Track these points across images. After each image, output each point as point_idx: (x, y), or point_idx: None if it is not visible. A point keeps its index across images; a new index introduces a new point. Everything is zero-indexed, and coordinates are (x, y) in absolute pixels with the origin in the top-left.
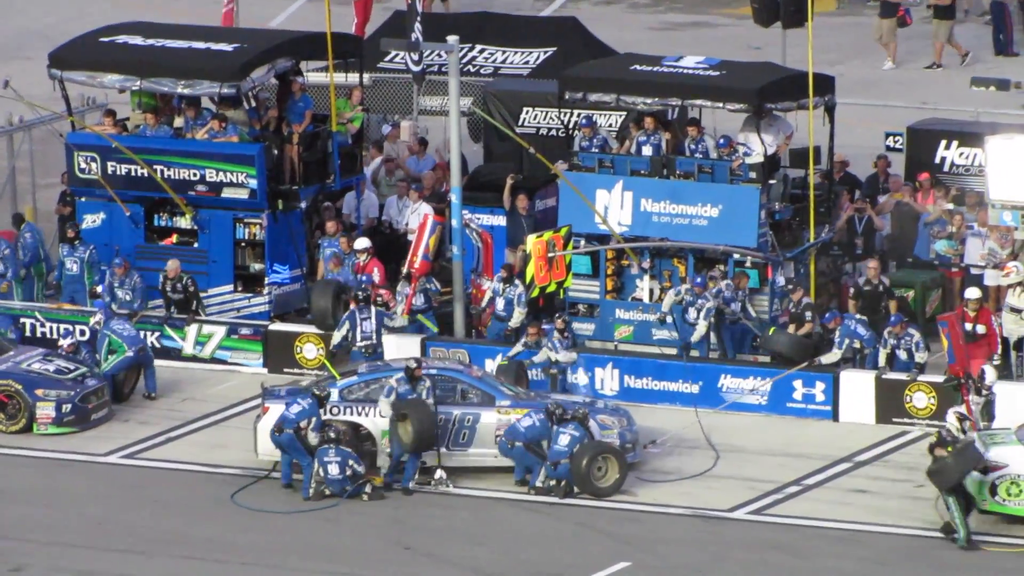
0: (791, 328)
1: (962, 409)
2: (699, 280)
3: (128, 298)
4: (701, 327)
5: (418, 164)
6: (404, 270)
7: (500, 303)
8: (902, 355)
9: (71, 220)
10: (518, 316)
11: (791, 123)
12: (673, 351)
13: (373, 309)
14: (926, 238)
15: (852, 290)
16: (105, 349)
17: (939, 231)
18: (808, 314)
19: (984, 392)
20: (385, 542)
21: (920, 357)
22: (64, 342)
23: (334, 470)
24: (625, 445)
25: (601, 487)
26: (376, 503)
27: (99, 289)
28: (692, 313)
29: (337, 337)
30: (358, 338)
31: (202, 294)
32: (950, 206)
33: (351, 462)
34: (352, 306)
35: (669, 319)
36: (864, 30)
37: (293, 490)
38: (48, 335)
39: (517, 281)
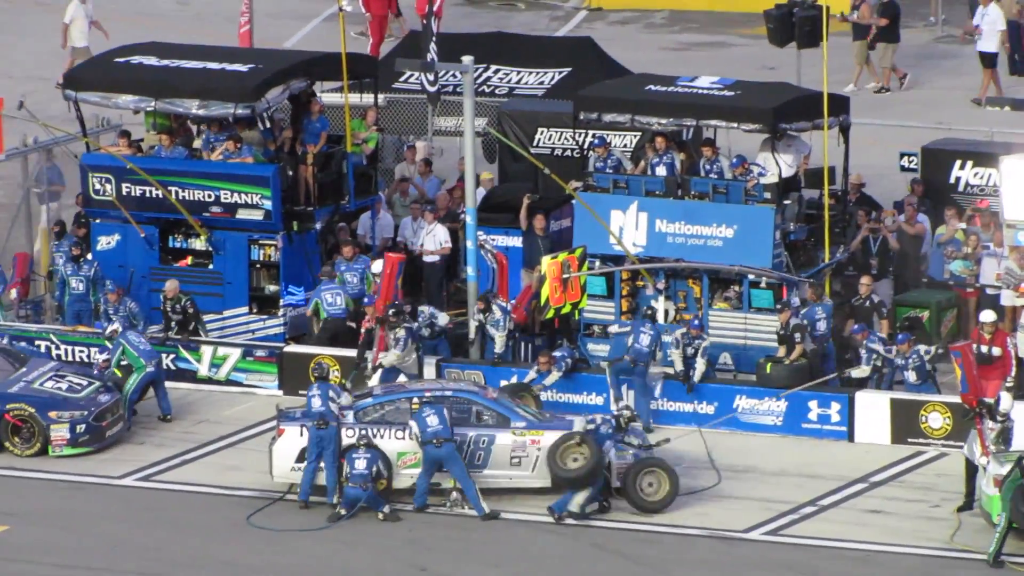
0: (781, 351)
1: None
2: (695, 323)
3: (140, 326)
4: (701, 366)
5: (423, 185)
6: (377, 316)
7: (491, 331)
8: (910, 376)
9: (77, 240)
10: (500, 340)
11: (808, 143)
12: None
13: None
14: (939, 258)
15: (848, 308)
16: (117, 358)
17: (952, 251)
18: (798, 335)
19: (1000, 418)
20: (401, 563)
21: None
22: (100, 357)
23: (361, 465)
24: None
25: (652, 501)
26: (391, 524)
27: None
28: (686, 352)
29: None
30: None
31: (217, 316)
32: (963, 225)
33: (379, 463)
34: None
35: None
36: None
37: (309, 511)
38: (63, 358)
39: (494, 307)
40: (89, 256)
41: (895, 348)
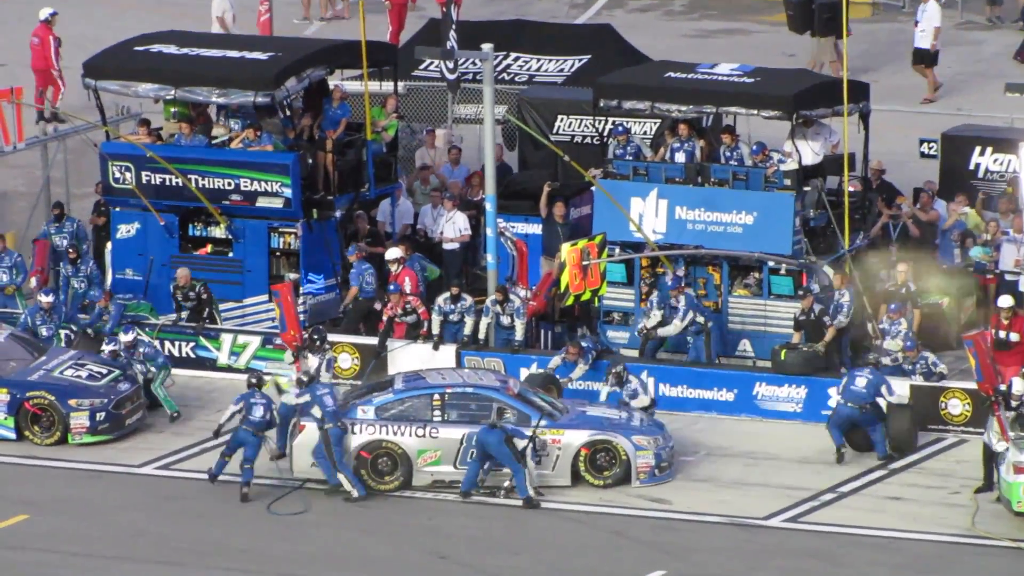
0: (796, 337)
1: None
2: (671, 283)
3: (110, 324)
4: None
5: (452, 173)
6: (291, 350)
7: (504, 320)
8: (917, 380)
9: (74, 244)
10: (520, 328)
11: (836, 130)
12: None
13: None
14: (948, 245)
15: (882, 295)
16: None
17: (958, 235)
18: (827, 319)
19: (1015, 404)
20: (421, 551)
21: (943, 369)
22: (124, 337)
23: (258, 412)
24: (661, 464)
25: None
26: (410, 513)
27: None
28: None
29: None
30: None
31: (237, 304)
32: (966, 209)
33: (273, 411)
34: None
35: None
36: (899, 35)
37: (327, 499)
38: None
39: (512, 296)
40: (96, 255)
41: (902, 354)
